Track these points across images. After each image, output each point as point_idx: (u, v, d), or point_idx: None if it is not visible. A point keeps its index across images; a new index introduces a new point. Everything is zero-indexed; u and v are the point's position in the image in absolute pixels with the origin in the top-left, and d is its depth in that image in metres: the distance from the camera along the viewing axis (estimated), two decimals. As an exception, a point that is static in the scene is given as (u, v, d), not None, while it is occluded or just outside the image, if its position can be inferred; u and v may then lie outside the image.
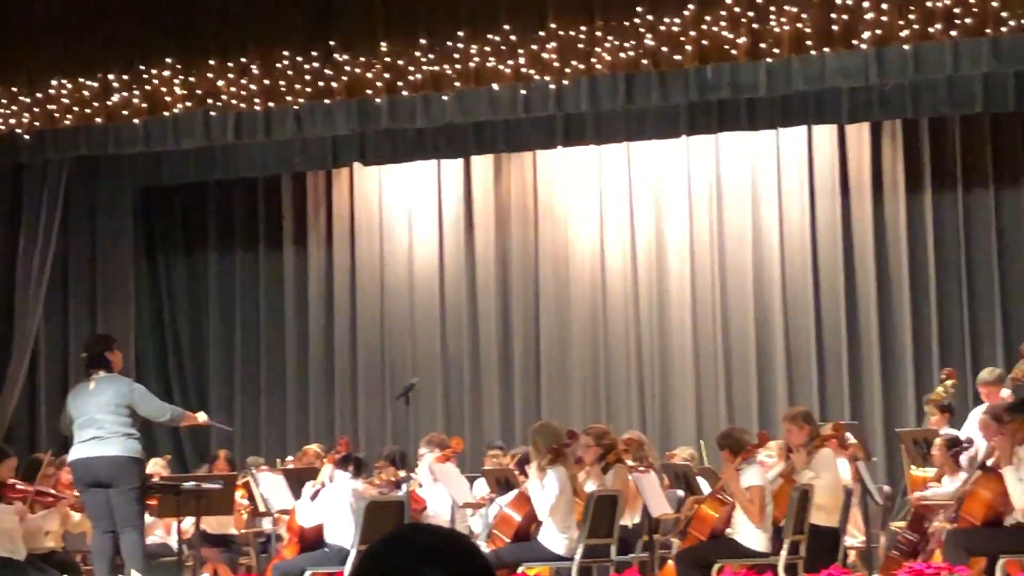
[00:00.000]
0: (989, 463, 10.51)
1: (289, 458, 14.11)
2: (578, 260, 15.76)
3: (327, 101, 13.34)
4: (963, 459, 11.49)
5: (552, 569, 10.73)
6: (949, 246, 14.52)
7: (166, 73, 13.75)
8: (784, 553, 10.25)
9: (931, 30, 11.24)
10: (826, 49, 11.87)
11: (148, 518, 10.88)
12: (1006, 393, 12.14)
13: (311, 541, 11.01)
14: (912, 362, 14.51)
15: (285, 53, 13.36)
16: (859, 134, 14.89)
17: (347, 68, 12.97)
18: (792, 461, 10.92)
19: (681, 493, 11.78)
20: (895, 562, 10.92)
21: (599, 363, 15.57)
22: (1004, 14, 11.04)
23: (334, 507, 10.96)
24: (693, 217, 15.38)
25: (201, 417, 10.80)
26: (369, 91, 13.01)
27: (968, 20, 11.15)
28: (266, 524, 12.62)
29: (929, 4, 11.22)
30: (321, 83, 13.22)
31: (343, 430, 15.31)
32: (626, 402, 15.38)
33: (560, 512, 10.48)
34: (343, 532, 10.73)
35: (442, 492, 11.61)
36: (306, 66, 13.27)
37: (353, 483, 11.15)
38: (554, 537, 10.49)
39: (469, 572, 2.31)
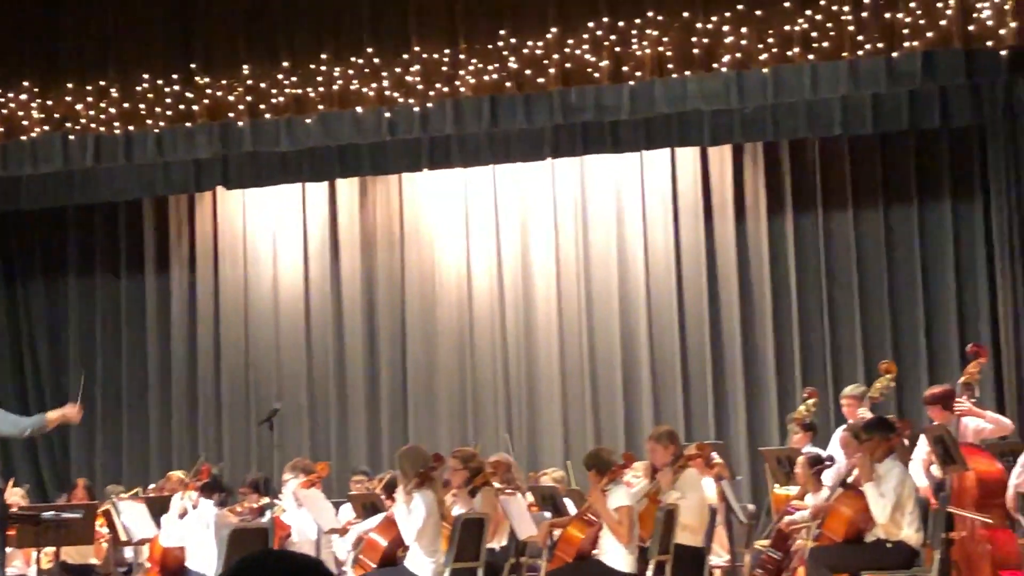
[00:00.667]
0: (849, 480, 10.64)
1: (151, 486, 13.91)
2: (444, 283, 15.74)
3: (188, 124, 13.21)
4: (825, 476, 11.62)
5: (419, 593, 10.66)
6: (810, 266, 14.71)
7: (23, 96, 13.53)
8: (650, 573, 10.29)
9: (789, 53, 11.39)
10: (687, 72, 11.98)
11: (7, 549, 10.66)
12: (862, 411, 12.31)
13: (173, 570, 10.87)
14: (775, 382, 14.66)
15: (145, 76, 13.22)
16: (721, 157, 15.04)
17: (209, 91, 12.86)
18: (658, 481, 10.97)
19: (548, 515, 11.78)
20: (760, 580, 11.01)
21: (466, 386, 15.55)
22: (860, 38, 11.22)
23: (197, 534, 10.82)
24: (559, 239, 15.44)
25: (64, 411, 10.22)
26: (231, 114, 12.91)
27: (825, 44, 11.32)
28: (128, 553, 12.42)
29: (787, 28, 11.37)
30: (182, 106, 13.09)
31: (207, 456, 15.12)
32: (494, 425, 15.37)
33: (427, 536, 10.44)
34: (206, 560, 10.59)
35: (307, 518, 11.51)
36: (167, 89, 13.14)
37: (216, 510, 11.02)
38: (420, 561, 10.44)
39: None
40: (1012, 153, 13.24)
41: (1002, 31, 10.86)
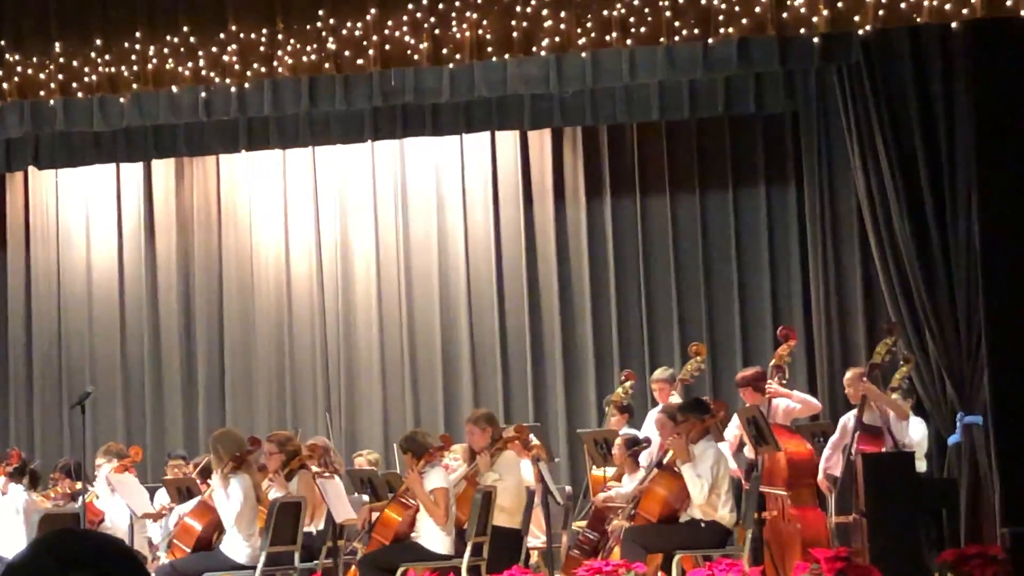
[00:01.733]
0: (664, 461, 10.79)
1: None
2: (263, 266, 15.60)
3: (-2, 102, 12.90)
4: (642, 458, 11.77)
5: (234, 578, 10.57)
6: (628, 251, 14.84)
7: None
8: (467, 555, 10.33)
9: (608, 38, 11.46)
10: (507, 56, 12.00)
11: None
12: (674, 396, 12.49)
13: (-19, 556, 10.63)
14: (593, 365, 14.78)
15: (-47, 52, 12.86)
16: (541, 141, 15.12)
17: (19, 69, 12.54)
18: (476, 464, 11.02)
19: (366, 498, 11.76)
20: (576, 561, 11.11)
21: (284, 369, 15.44)
22: (676, 23, 11.33)
23: (6, 520, 10.60)
24: (379, 222, 15.39)
25: None
26: (43, 92, 12.61)
27: (643, 29, 11.39)
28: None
29: (606, 13, 11.43)
30: (-8, 84, 12.75)
31: (17, 441, 14.82)
32: (312, 408, 15.29)
33: (244, 520, 10.38)
34: (15, 546, 10.38)
35: (120, 503, 11.35)
36: (-25, 66, 12.80)
37: (27, 495, 10.81)
38: (237, 545, 10.37)
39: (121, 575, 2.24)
40: (824, 140, 13.49)
41: (815, 18, 11.04)
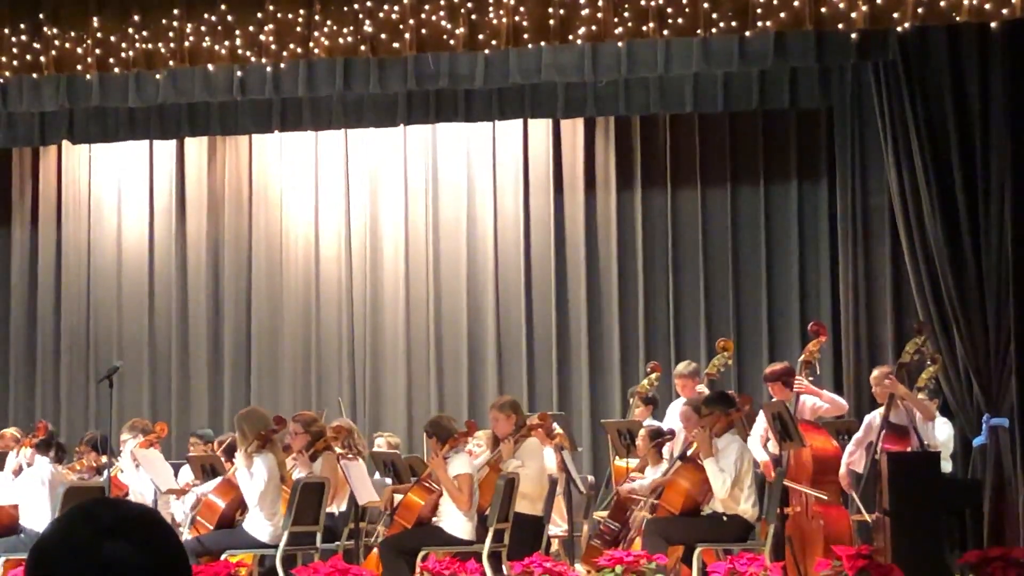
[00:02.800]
0: (688, 454, 10.78)
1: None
2: (292, 247, 15.62)
3: (35, 76, 12.93)
4: (665, 450, 11.76)
5: (256, 556, 10.61)
6: (657, 243, 14.82)
7: None
8: (489, 541, 10.34)
9: (644, 28, 11.44)
10: (543, 43, 11.99)
11: None
12: (701, 388, 12.47)
13: (6, 526, 10.69)
14: (619, 355, 14.77)
15: (-9, 24, 12.90)
16: (573, 130, 15.10)
17: (56, 43, 12.58)
18: (499, 450, 11.03)
19: (389, 481, 11.78)
20: (596, 550, 11.11)
21: (310, 350, 15.46)
22: (714, 15, 11.31)
23: (32, 491, 10.65)
24: (409, 207, 15.39)
25: None
26: (79, 67, 12.65)
27: (680, 20, 11.38)
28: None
29: (643, 3, 11.41)
30: (29, 56, 12.78)
31: (44, 414, 14.88)
32: (337, 390, 15.30)
33: (267, 499, 10.40)
34: (40, 517, 10.43)
35: (145, 478, 11.39)
36: (13, 39, 12.83)
37: (52, 467, 10.86)
38: (259, 524, 10.40)
39: (157, 546, 2.23)
40: (858, 136, 13.45)
41: (853, 14, 11.01)
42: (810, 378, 12.03)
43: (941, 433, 11.87)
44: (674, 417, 12.20)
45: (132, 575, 2.16)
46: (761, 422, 11.91)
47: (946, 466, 11.77)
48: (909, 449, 11.20)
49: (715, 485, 10.34)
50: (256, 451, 10.42)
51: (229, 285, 15.68)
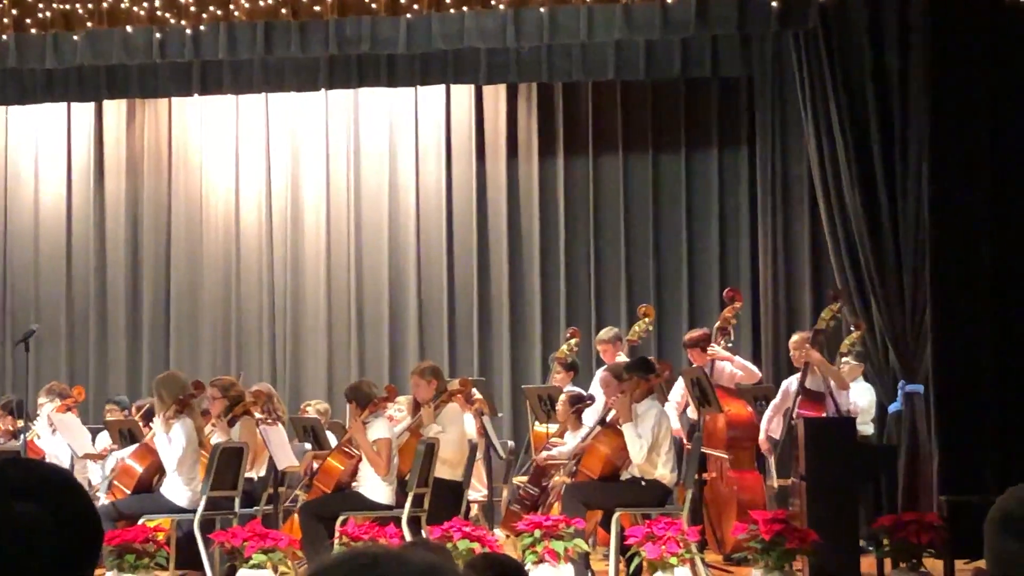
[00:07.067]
0: (608, 419, 10.83)
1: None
2: (212, 211, 15.52)
3: (-50, 37, 12.77)
4: (586, 415, 11.80)
5: (174, 521, 10.57)
6: (579, 209, 14.85)
7: None
8: (408, 506, 10.36)
9: (567, -6, 11.46)
10: (465, 8, 11.97)
11: None
12: (620, 356, 12.51)
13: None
14: (540, 321, 14.81)
15: (-96, -17, 12.71)
16: (496, 96, 15.08)
17: (-28, 2, 12.43)
18: (419, 415, 11.04)
19: (308, 446, 11.75)
20: (516, 515, 11.14)
21: (230, 314, 15.38)
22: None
23: (-54, 457, 10.55)
24: (330, 172, 15.33)
25: None
26: (-5, 27, 12.50)
27: (603, -13, 11.41)
28: None
29: (566, -31, 11.42)
30: (-56, 17, 12.62)
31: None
32: (257, 354, 15.25)
33: (185, 464, 10.37)
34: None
35: (62, 443, 11.31)
36: (-74, -2, 12.66)
37: (-33, 432, 10.76)
38: (178, 489, 10.37)
39: (68, 508, 2.21)
40: (778, 106, 13.54)
41: (774, -17, 11.09)
42: (728, 344, 12.12)
43: (862, 399, 11.99)
44: (596, 382, 12.25)
45: (42, 536, 2.14)
46: (679, 388, 11.99)
47: (867, 429, 11.92)
48: (825, 415, 11.30)
49: (632, 450, 10.38)
50: (174, 416, 10.38)
51: (148, 249, 15.56)
